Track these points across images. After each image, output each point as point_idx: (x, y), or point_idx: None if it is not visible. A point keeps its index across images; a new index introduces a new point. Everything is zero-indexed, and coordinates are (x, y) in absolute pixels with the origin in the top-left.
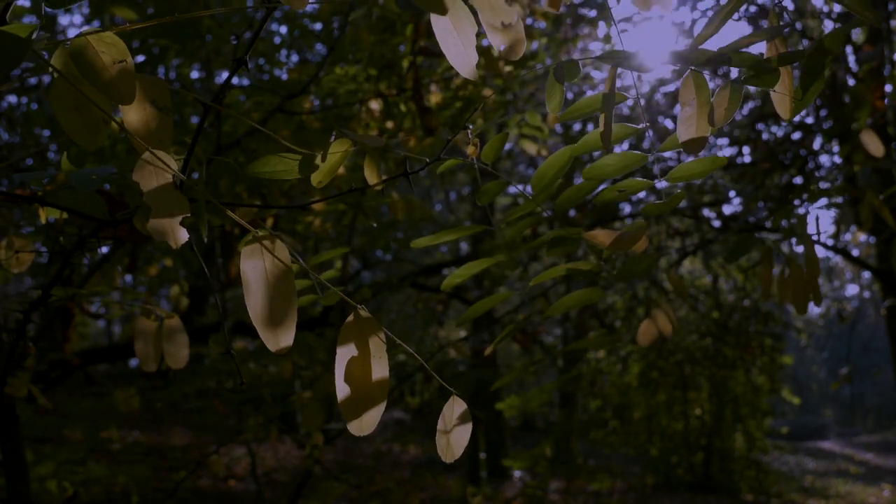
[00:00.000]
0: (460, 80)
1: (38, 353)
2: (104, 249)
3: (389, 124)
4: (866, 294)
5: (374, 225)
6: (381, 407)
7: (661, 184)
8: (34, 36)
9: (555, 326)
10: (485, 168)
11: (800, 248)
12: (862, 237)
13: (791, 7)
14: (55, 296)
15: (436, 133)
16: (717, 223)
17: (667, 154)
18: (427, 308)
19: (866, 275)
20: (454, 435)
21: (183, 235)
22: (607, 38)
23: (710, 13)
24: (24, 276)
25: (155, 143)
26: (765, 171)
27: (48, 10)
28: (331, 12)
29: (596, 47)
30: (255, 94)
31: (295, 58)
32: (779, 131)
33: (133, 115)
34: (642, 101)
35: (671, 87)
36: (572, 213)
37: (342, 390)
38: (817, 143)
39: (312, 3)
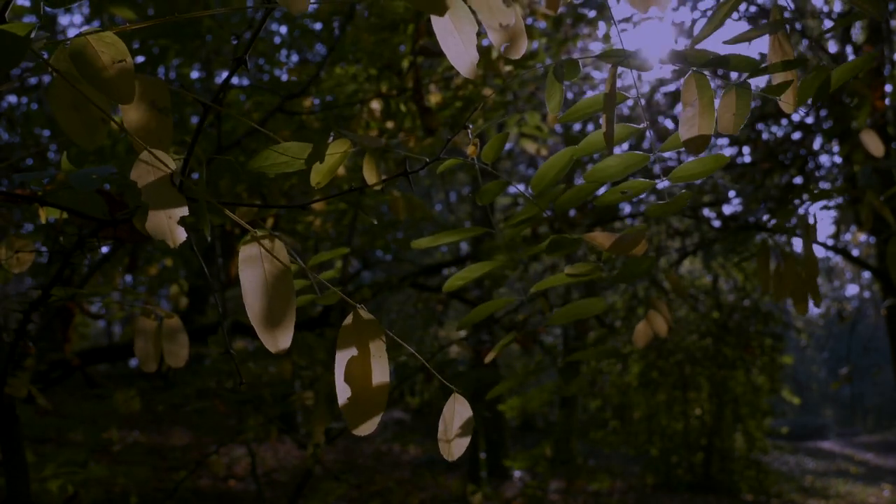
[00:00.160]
0: (460, 79)
1: (38, 353)
2: (104, 249)
3: (390, 124)
4: (866, 294)
5: (375, 222)
6: (382, 408)
7: (662, 184)
8: (33, 35)
9: (555, 326)
10: (485, 168)
11: (799, 248)
12: (862, 237)
13: (791, 7)
14: (55, 296)
15: (436, 133)
16: (717, 223)
17: (667, 154)
18: (427, 308)
19: (866, 275)
20: (455, 433)
21: (181, 235)
22: (607, 38)
23: (710, 13)
24: (24, 276)
25: (154, 143)
26: (765, 171)
27: (48, 9)
28: (331, 12)
29: (596, 47)
30: (255, 94)
31: (295, 58)
32: (779, 131)
33: (133, 114)
34: (642, 102)
35: (671, 87)
36: (572, 212)
37: (343, 391)
38: (817, 143)
39: (313, 3)
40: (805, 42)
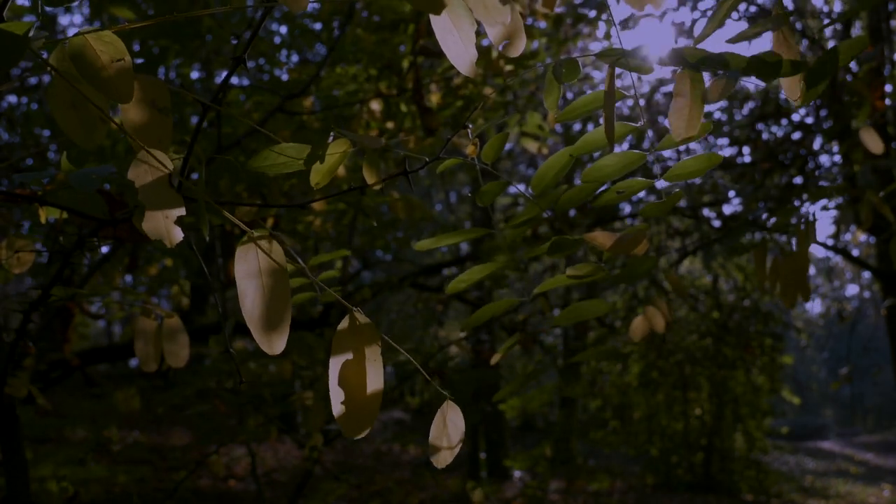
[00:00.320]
0: (460, 79)
1: (38, 353)
2: (104, 249)
3: (390, 124)
4: (866, 294)
5: (375, 223)
6: (376, 413)
7: (660, 184)
8: (31, 34)
9: (555, 326)
10: (485, 168)
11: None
12: (862, 237)
13: (791, 7)
14: (55, 296)
15: (436, 133)
16: (717, 223)
17: (666, 154)
18: (427, 308)
19: (866, 275)
20: (447, 440)
21: (178, 235)
22: (607, 37)
23: (710, 13)
24: (24, 276)
25: (154, 144)
26: (765, 171)
27: (47, 9)
28: (331, 12)
29: (596, 47)
30: (255, 94)
31: (295, 58)
32: (779, 131)
33: (132, 114)
34: (642, 102)
35: (671, 88)
36: (572, 212)
37: (336, 396)
38: (817, 143)
39: (312, 2)
40: (805, 42)
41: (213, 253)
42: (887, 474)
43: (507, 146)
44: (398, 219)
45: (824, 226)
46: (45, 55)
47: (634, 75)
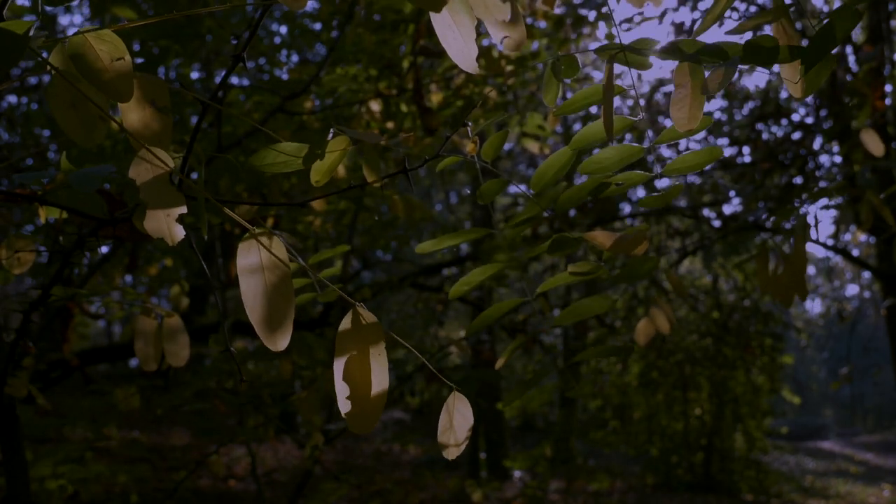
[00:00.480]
0: (461, 79)
1: (38, 353)
2: (104, 249)
3: (390, 124)
4: (866, 294)
5: (376, 218)
6: (381, 408)
7: (660, 183)
8: (31, 33)
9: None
10: (485, 166)
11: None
12: (862, 237)
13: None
14: (55, 296)
15: (436, 133)
16: (717, 223)
17: (666, 154)
18: (427, 308)
19: (866, 275)
20: (456, 430)
21: (179, 233)
22: (609, 37)
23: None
24: (24, 276)
25: (154, 143)
26: (765, 171)
27: (47, 9)
28: (331, 12)
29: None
30: (255, 94)
31: (295, 58)
32: (779, 131)
33: (133, 114)
34: (642, 102)
35: (671, 87)
36: (572, 212)
37: (342, 391)
38: (817, 143)
39: (312, 2)
40: (805, 43)
41: (213, 253)
42: (887, 474)
43: (507, 146)
44: (398, 218)
45: (824, 226)
46: (45, 55)
47: (634, 75)
